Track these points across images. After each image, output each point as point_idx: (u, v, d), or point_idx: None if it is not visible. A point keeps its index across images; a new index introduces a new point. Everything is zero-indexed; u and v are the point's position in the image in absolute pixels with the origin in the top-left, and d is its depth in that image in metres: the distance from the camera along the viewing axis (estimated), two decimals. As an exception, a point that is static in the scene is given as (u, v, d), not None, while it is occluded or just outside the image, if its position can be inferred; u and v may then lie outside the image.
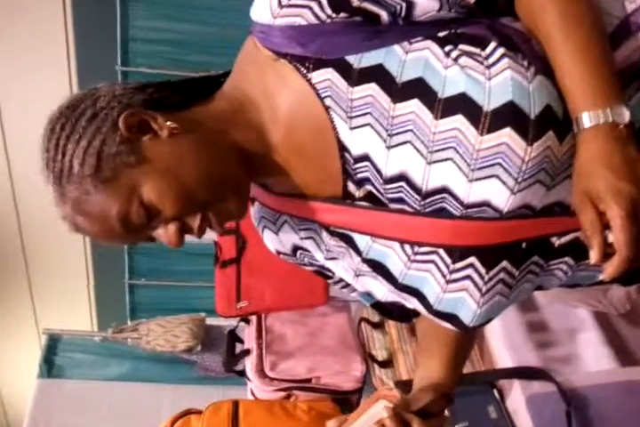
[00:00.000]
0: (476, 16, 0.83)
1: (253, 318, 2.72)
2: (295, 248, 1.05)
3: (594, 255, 0.76)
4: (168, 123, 0.86)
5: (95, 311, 6.28)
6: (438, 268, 0.90)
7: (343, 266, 1.01)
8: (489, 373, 2.09)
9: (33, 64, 4.49)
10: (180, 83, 0.96)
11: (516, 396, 1.90)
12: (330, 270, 1.06)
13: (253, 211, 1.07)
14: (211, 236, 3.04)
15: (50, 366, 4.36)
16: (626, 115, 0.76)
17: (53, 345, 4.43)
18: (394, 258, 0.92)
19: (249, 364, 2.55)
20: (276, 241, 1.06)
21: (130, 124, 0.85)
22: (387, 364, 2.37)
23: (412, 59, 0.81)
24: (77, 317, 6.15)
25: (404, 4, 0.81)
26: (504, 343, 2.05)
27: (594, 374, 1.91)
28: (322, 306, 2.70)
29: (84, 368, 4.37)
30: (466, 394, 2.04)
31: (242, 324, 2.83)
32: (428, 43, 0.81)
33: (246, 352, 2.61)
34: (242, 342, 2.75)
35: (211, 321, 3.98)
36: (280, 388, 2.46)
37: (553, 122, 0.79)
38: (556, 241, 0.89)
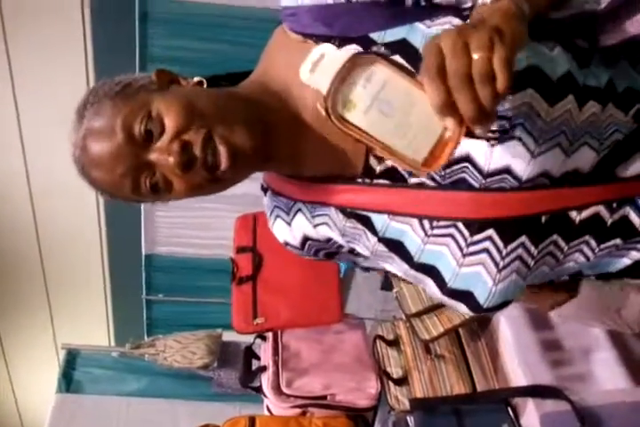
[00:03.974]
0: None
1: (269, 335, 2.73)
2: (305, 239, 1.04)
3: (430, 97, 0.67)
4: (195, 78, 0.92)
5: (113, 327, 6.32)
6: (456, 241, 0.89)
7: (361, 249, 1.00)
8: (503, 391, 2.09)
9: (52, 83, 4.56)
10: (211, 76, 0.99)
11: (531, 414, 1.90)
12: (354, 250, 1.04)
13: (266, 200, 1.07)
14: (227, 252, 3.05)
15: (68, 381, 4.39)
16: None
17: (72, 360, 4.47)
18: (411, 235, 0.91)
19: (265, 380, 2.56)
20: (286, 232, 1.06)
21: (161, 77, 0.92)
22: (402, 382, 2.37)
23: (435, 31, 0.84)
24: (95, 332, 6.19)
25: None
26: (519, 361, 2.05)
27: (608, 393, 1.91)
28: (337, 323, 2.71)
29: (102, 384, 4.40)
30: (480, 412, 2.05)
31: (258, 340, 2.84)
32: (450, 18, 0.84)
33: (262, 369, 2.62)
34: (258, 358, 2.77)
35: (227, 337, 4.00)
36: (296, 404, 2.48)
37: (573, 86, 0.82)
38: (577, 217, 0.89)
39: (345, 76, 0.70)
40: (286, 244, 1.08)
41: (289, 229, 1.05)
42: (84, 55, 4.59)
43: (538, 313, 2.05)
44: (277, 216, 1.05)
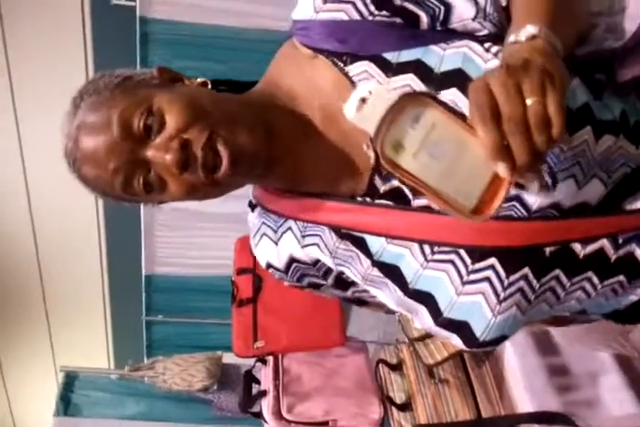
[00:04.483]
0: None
1: (270, 359, 2.70)
2: (291, 260, 1.00)
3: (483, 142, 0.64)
4: (199, 79, 0.89)
5: (112, 348, 6.29)
6: (456, 268, 0.86)
7: (353, 273, 0.96)
8: (509, 417, 2.06)
9: (54, 108, 4.57)
10: (215, 80, 0.96)
11: (538, 441, 1.87)
12: (343, 274, 1.00)
13: (253, 217, 1.03)
14: (227, 272, 3.03)
15: (66, 403, 4.35)
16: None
17: (70, 383, 4.43)
18: (409, 259, 0.88)
19: (265, 405, 2.53)
20: (271, 251, 1.01)
21: (163, 73, 0.89)
22: (405, 407, 2.33)
23: (451, 53, 0.82)
24: (95, 354, 6.16)
25: (442, 8, 0.83)
26: (524, 387, 2.02)
27: (616, 418, 1.87)
28: (339, 347, 2.67)
29: (101, 407, 4.36)
30: (486, 439, 2.02)
31: (258, 364, 2.81)
32: (467, 41, 0.83)
33: (263, 393, 2.59)
34: (258, 382, 2.73)
35: (227, 359, 3.96)
36: (297, 430, 2.44)
37: (591, 118, 0.80)
38: (581, 251, 0.86)
39: (394, 117, 0.68)
40: (269, 266, 1.03)
41: (275, 249, 1.00)
42: (85, 77, 4.61)
43: (543, 338, 2.02)
44: (264, 234, 1.01)
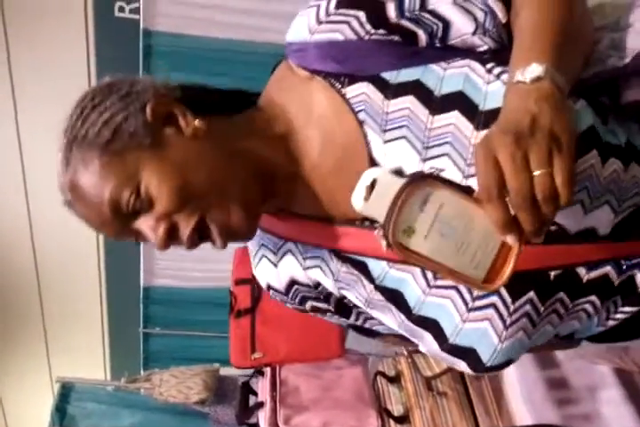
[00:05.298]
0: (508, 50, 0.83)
1: (267, 370, 2.69)
2: (292, 282, 0.99)
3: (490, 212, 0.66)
4: (196, 122, 0.86)
5: (109, 360, 6.25)
6: (461, 294, 0.86)
7: (356, 296, 0.95)
8: (507, 430, 2.04)
9: (56, 121, 4.58)
10: (217, 90, 0.96)
11: (536, 455, 1.86)
12: (344, 298, 0.99)
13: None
14: (226, 284, 3.01)
15: (62, 415, 4.32)
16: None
17: (66, 394, 4.40)
18: (412, 284, 0.87)
19: (262, 417, 2.51)
20: (271, 273, 1.01)
21: (157, 112, 0.85)
22: (403, 419, 2.32)
23: (451, 74, 0.81)
24: (91, 365, 6.11)
25: (440, 25, 0.82)
26: (523, 400, 2.01)
27: (615, 433, 1.86)
28: (337, 359, 2.66)
29: (96, 418, 4.33)
30: (484, 452, 2.00)
31: (256, 375, 2.79)
32: (468, 61, 0.82)
33: (260, 405, 2.57)
34: (255, 394, 2.72)
35: (224, 371, 3.94)
36: (294, 443, 2.42)
37: (597, 141, 0.80)
38: (585, 275, 0.86)
39: (402, 203, 0.70)
40: (269, 287, 1.04)
41: (275, 272, 1.00)
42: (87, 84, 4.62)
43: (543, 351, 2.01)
44: (263, 256, 1.01)
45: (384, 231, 0.71)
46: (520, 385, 2.02)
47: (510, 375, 2.10)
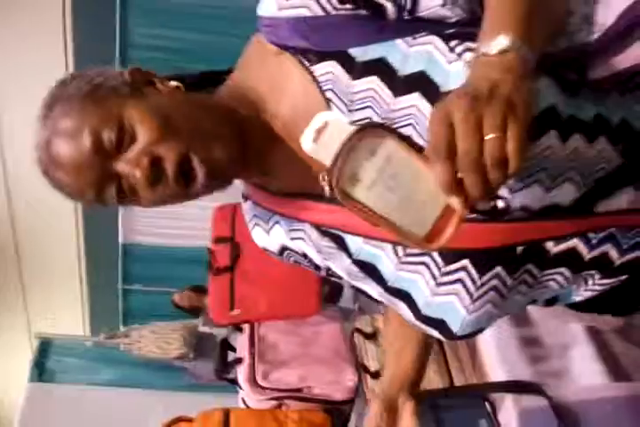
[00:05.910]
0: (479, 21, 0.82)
1: (246, 327, 2.71)
2: (283, 249, 1.03)
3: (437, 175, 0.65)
4: (173, 82, 0.88)
5: (88, 316, 6.27)
6: (429, 270, 0.88)
7: (338, 268, 0.98)
8: (481, 386, 2.08)
9: (30, 70, 4.49)
10: (188, 75, 0.97)
11: (508, 410, 1.89)
12: (330, 269, 1.03)
13: (246, 207, 1.06)
14: (206, 242, 3.02)
15: (41, 370, 4.36)
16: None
17: (45, 349, 4.43)
18: (384, 260, 0.90)
19: (241, 372, 2.54)
20: (264, 239, 1.04)
21: (136, 75, 0.88)
22: (378, 375, 2.35)
23: (415, 52, 0.81)
24: (70, 321, 6.13)
25: None
26: (497, 357, 2.04)
27: (585, 389, 1.90)
28: (315, 316, 2.69)
29: (75, 373, 4.37)
30: (458, 407, 2.03)
31: (235, 332, 2.82)
32: (433, 38, 0.81)
33: (238, 361, 2.60)
34: (234, 350, 2.75)
35: (204, 328, 3.97)
36: (271, 397, 2.46)
37: (555, 121, 0.79)
38: (552, 248, 0.87)
39: (350, 149, 0.68)
40: (265, 249, 1.06)
41: (267, 238, 1.03)
42: (63, 44, 4.52)
43: (518, 308, 2.04)
44: (256, 224, 1.04)
45: (329, 175, 0.69)
46: (494, 342, 2.06)
47: (485, 333, 2.13)
